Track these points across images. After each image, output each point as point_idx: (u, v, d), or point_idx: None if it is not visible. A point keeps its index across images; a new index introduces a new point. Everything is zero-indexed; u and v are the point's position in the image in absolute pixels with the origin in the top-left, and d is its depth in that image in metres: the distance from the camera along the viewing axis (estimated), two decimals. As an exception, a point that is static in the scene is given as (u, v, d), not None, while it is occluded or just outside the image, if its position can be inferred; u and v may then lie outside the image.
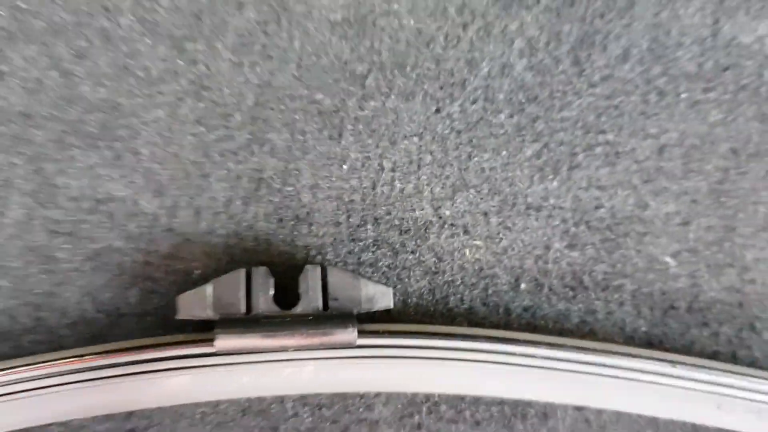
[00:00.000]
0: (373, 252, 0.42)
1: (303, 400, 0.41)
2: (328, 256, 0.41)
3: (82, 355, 0.37)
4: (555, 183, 0.42)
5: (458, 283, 0.42)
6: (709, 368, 0.39)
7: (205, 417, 0.40)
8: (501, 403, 0.41)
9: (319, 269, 0.38)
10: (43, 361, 0.37)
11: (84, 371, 0.37)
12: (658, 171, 0.43)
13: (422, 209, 0.42)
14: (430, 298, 0.42)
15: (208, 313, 0.37)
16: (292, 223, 0.41)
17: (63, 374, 0.36)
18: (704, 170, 0.43)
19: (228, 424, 0.40)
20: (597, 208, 0.42)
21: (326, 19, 0.42)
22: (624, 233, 0.42)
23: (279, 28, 0.42)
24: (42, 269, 0.40)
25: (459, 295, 0.42)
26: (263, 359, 0.37)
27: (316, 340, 0.36)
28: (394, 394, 0.41)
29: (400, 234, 0.42)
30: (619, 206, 0.42)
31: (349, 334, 0.36)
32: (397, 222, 0.42)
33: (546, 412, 0.41)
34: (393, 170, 0.42)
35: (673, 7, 0.43)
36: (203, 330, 0.37)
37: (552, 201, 0.42)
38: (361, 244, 0.42)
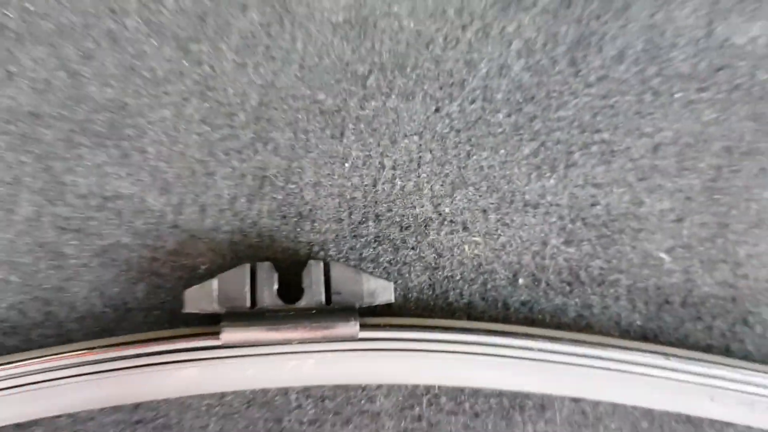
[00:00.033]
0: (374, 248, 0.42)
1: (306, 391, 0.41)
2: (331, 252, 0.41)
3: (90, 348, 0.37)
4: (552, 181, 0.43)
5: (458, 278, 0.42)
6: (703, 361, 0.39)
7: (210, 409, 0.40)
8: (499, 395, 0.41)
9: (322, 264, 0.38)
10: (51, 354, 0.37)
11: (92, 364, 0.37)
12: (653, 169, 0.43)
13: (422, 206, 0.42)
14: (431, 292, 0.42)
15: (214, 307, 0.37)
16: (296, 219, 0.41)
17: (71, 367, 0.37)
18: (698, 168, 0.43)
19: (233, 416, 0.40)
20: (593, 205, 0.43)
21: (328, 20, 0.42)
22: (619, 230, 0.42)
23: (282, 30, 0.42)
24: (51, 265, 0.40)
25: (458, 290, 0.42)
26: (268, 352, 0.37)
27: (319, 333, 0.36)
28: (395, 386, 0.41)
29: (401, 230, 0.42)
30: (615, 203, 0.43)
31: (352, 328, 0.36)
32: (397, 219, 0.42)
33: (543, 403, 0.41)
34: (394, 168, 0.42)
35: (668, 9, 0.43)
36: (209, 324, 0.37)
37: (549, 198, 0.42)
38: (362, 240, 0.42)
